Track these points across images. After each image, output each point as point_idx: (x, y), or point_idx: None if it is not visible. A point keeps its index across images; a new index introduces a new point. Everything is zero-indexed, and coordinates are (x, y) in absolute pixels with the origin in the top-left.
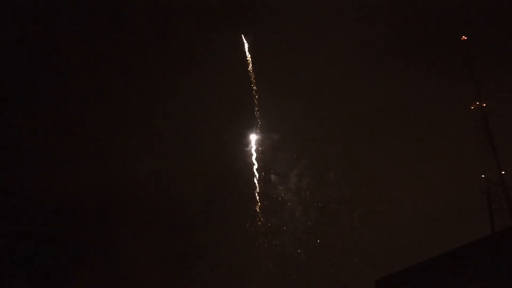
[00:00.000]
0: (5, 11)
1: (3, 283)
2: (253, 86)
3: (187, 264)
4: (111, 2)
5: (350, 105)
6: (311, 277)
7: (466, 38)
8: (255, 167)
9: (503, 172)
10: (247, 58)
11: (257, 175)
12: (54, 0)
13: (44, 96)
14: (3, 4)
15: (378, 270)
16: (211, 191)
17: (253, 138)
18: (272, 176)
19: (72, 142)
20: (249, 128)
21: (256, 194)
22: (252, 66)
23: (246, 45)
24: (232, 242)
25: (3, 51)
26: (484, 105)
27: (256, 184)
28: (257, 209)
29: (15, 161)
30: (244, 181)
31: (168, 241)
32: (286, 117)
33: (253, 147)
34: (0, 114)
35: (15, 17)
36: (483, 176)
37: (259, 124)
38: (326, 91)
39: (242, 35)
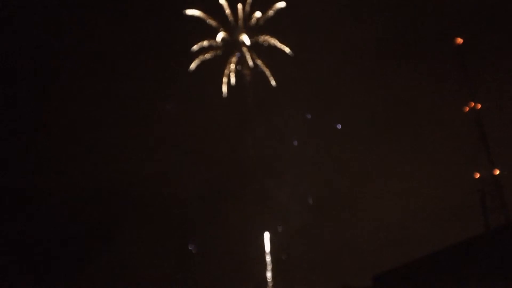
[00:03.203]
0: (2, 11)
1: (4, 283)
2: (249, 83)
3: (187, 263)
4: (111, 2)
5: (346, 105)
6: (310, 277)
7: (461, 40)
8: (252, 168)
9: (497, 172)
10: (245, 58)
11: (254, 177)
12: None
13: (44, 96)
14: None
15: (376, 266)
16: (211, 191)
17: (249, 140)
18: (269, 177)
19: (72, 142)
20: (245, 131)
21: (254, 195)
22: (249, 67)
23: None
24: (231, 242)
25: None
26: (479, 106)
27: (252, 185)
28: (255, 210)
29: (16, 161)
30: (242, 182)
31: (168, 240)
32: (283, 118)
33: (249, 150)
34: (2, 114)
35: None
36: (477, 175)
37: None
38: (321, 91)
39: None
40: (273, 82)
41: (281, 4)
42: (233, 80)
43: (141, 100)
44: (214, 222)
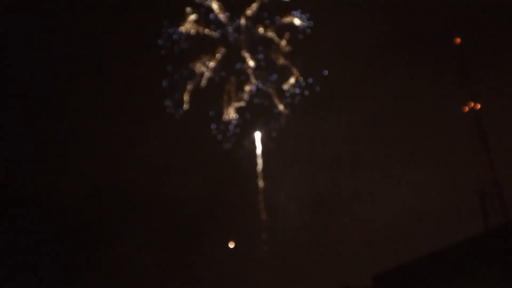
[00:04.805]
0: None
1: (3, 283)
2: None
3: (187, 264)
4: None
5: (344, 104)
6: (310, 277)
7: (460, 40)
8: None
9: (496, 173)
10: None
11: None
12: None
13: (42, 96)
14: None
15: (376, 266)
16: (211, 192)
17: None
18: (268, 177)
19: (70, 141)
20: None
21: (254, 196)
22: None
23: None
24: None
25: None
26: (479, 106)
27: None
28: (254, 210)
29: (14, 161)
30: (242, 183)
31: (168, 241)
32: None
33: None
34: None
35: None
36: (476, 175)
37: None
38: (319, 92)
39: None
40: (280, 107)
41: (298, 22)
42: (234, 96)
43: (141, 100)
44: (214, 221)
